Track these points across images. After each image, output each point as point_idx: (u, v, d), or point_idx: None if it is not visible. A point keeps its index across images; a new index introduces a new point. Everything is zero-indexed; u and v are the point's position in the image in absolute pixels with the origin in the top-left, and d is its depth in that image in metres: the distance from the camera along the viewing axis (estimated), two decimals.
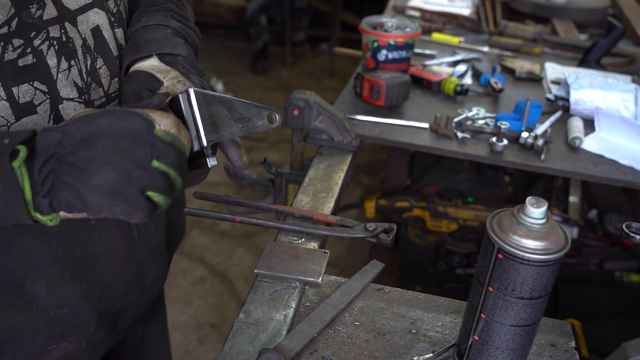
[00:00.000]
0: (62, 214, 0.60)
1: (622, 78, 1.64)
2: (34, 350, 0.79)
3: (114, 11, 0.79)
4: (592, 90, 1.42)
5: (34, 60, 0.68)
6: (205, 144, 0.69)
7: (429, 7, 2.20)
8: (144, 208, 0.59)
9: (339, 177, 1.14)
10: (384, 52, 1.42)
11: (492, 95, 1.53)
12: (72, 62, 0.72)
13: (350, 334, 0.79)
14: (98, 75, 0.76)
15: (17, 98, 0.67)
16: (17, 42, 0.65)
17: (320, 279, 0.85)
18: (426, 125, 1.32)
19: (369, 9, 4.73)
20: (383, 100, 1.37)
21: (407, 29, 1.46)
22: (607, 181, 1.20)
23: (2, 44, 0.64)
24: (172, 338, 1.32)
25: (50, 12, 0.69)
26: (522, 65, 1.73)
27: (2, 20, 0.64)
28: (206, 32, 5.11)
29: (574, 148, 1.28)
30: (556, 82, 1.63)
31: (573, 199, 1.98)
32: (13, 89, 0.66)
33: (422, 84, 1.54)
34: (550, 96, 1.50)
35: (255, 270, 0.87)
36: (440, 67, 1.69)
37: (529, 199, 0.61)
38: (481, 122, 1.37)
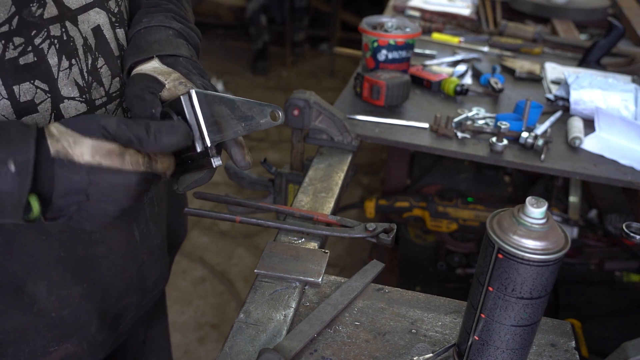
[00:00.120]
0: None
1: (622, 78, 1.64)
2: (35, 351, 0.79)
3: (115, 11, 0.79)
4: (592, 90, 1.42)
5: (35, 59, 0.68)
6: (209, 144, 0.69)
7: (429, 7, 2.20)
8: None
9: (339, 177, 1.14)
10: (384, 52, 1.42)
11: (492, 95, 1.53)
12: (73, 61, 0.72)
13: (350, 334, 0.79)
14: (99, 75, 0.76)
15: (18, 97, 0.67)
16: (17, 40, 0.65)
17: (320, 279, 0.85)
18: (426, 125, 1.32)
19: (369, 9, 4.74)
20: (383, 100, 1.37)
21: (407, 29, 1.46)
22: (607, 181, 1.20)
23: (2, 42, 0.64)
24: (172, 338, 1.32)
25: (51, 10, 0.69)
26: (522, 65, 1.73)
27: (3, 18, 0.64)
28: (206, 32, 5.11)
29: (574, 148, 1.28)
30: (556, 82, 1.63)
31: (573, 199, 1.98)
32: (14, 87, 0.66)
33: (422, 84, 1.54)
34: (550, 96, 1.50)
35: (255, 270, 0.87)
36: (440, 67, 1.69)
37: (529, 199, 0.61)
38: (481, 122, 1.37)
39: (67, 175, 0.58)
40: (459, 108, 1.44)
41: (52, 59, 0.69)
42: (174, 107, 0.69)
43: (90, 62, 0.75)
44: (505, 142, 1.24)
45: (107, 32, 0.77)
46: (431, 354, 0.75)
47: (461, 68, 1.67)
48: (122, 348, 1.02)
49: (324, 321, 0.78)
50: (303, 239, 0.95)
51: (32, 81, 0.68)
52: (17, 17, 0.65)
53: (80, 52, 0.73)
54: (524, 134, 1.26)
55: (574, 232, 1.90)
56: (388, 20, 1.48)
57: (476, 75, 1.67)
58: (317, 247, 0.93)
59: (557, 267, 0.61)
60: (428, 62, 1.72)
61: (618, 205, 1.90)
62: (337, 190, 1.10)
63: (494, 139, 1.24)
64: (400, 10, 2.19)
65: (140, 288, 0.92)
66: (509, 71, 1.70)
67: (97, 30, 0.76)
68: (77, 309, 0.81)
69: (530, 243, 0.60)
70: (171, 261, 1.06)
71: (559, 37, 2.03)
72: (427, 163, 2.23)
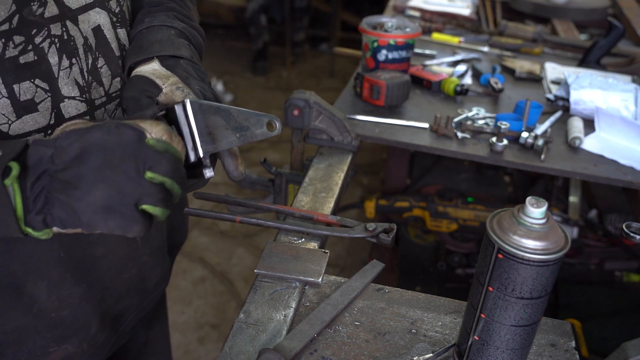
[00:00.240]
0: (55, 229, 0.59)
1: (622, 78, 1.64)
2: (35, 352, 0.78)
3: (116, 11, 0.79)
4: (592, 90, 1.42)
5: (35, 58, 0.67)
6: (201, 155, 0.69)
7: (429, 7, 2.20)
8: (139, 222, 0.59)
9: (339, 177, 1.14)
10: (384, 52, 1.42)
11: (492, 95, 1.53)
12: (73, 60, 0.72)
13: (350, 334, 0.79)
14: (99, 75, 0.76)
15: (18, 95, 0.67)
16: (18, 39, 0.65)
17: (320, 279, 0.85)
18: (426, 125, 1.32)
19: (369, 9, 4.74)
20: (383, 100, 1.37)
21: (407, 29, 1.46)
22: (607, 181, 1.20)
23: (3, 40, 0.64)
24: (172, 338, 1.32)
25: (52, 10, 0.69)
26: (522, 65, 1.73)
27: (3, 17, 0.64)
28: (206, 32, 5.00)
29: (574, 148, 1.28)
30: (556, 82, 1.63)
31: (573, 199, 1.98)
32: (14, 86, 0.66)
33: (422, 84, 1.54)
34: (550, 96, 1.50)
35: (255, 270, 0.87)
36: (440, 67, 1.69)
37: (529, 199, 0.61)
38: (481, 122, 1.37)
39: (37, 147, 0.58)
40: (459, 108, 1.44)
41: (53, 58, 0.69)
42: (168, 116, 0.69)
43: (90, 61, 0.75)
44: (505, 142, 1.24)
45: (108, 32, 0.77)
46: (431, 354, 0.75)
47: (461, 68, 1.67)
48: (122, 350, 1.02)
49: (324, 321, 0.78)
50: (303, 239, 0.95)
51: (32, 80, 0.68)
52: (17, 15, 0.65)
53: (81, 51, 0.73)
54: (524, 134, 1.26)
55: (574, 232, 1.90)
56: (388, 20, 1.48)
57: (476, 75, 1.67)
58: (317, 247, 0.93)
59: (557, 267, 0.61)
60: (428, 62, 1.72)
61: (618, 205, 1.90)
62: (337, 190, 1.10)
63: (494, 139, 1.24)
64: (400, 10, 2.19)
65: (141, 289, 0.92)
66: (509, 71, 1.70)
67: (97, 30, 0.76)
68: (77, 310, 0.80)
69: (530, 243, 0.60)
70: (172, 262, 1.06)
71: (559, 37, 2.03)
72: (427, 163, 2.23)
